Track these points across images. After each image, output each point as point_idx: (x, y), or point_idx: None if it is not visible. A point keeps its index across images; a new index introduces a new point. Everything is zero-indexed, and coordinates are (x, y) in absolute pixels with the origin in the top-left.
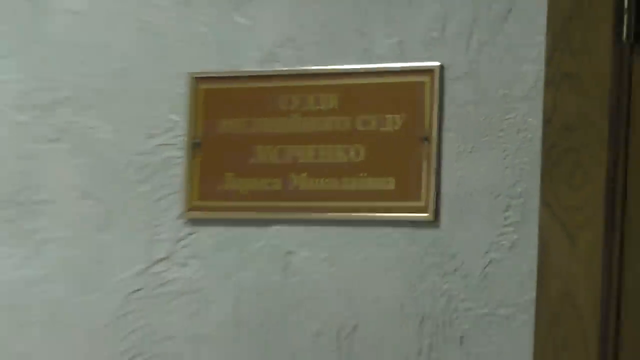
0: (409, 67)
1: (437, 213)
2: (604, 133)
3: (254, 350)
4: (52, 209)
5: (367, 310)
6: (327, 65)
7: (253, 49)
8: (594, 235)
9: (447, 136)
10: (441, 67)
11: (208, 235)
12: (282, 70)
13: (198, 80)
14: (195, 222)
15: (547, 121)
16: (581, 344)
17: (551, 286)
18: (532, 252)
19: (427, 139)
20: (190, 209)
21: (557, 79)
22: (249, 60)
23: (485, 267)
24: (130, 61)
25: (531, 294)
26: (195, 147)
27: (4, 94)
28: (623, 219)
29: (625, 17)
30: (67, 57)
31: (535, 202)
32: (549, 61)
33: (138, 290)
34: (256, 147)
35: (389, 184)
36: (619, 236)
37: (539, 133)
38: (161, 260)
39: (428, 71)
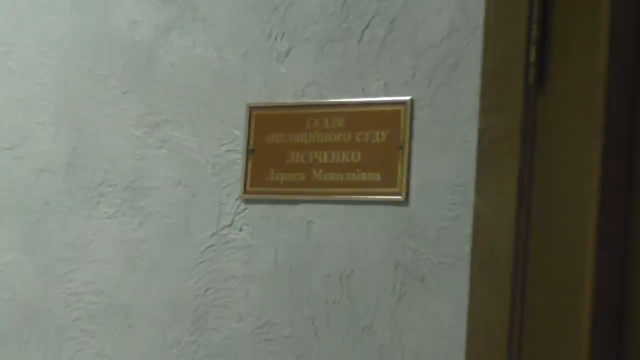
0: (391, 100)
1: (407, 196)
2: (517, 145)
3: (285, 286)
4: (156, 193)
5: (360, 260)
6: (338, 99)
7: (289, 88)
8: (509, 210)
9: (415, 146)
10: (412, 100)
11: (257, 210)
12: (308, 102)
13: (252, 108)
14: (248, 201)
15: (480, 136)
16: (500, 283)
17: (481, 244)
18: (469, 221)
19: (401, 147)
20: (246, 192)
21: (487, 108)
22: (286, 95)
23: (438, 231)
24: (208, 95)
25: (468, 249)
26: (250, 152)
27: (126, 116)
28: (528, 200)
29: (531, 68)
30: (166, 92)
31: (471, 189)
32: (483, 96)
33: (211, 246)
34: (290, 152)
35: (376, 177)
36: (526, 212)
37: (475, 144)
38: (226, 226)
39: (403, 103)
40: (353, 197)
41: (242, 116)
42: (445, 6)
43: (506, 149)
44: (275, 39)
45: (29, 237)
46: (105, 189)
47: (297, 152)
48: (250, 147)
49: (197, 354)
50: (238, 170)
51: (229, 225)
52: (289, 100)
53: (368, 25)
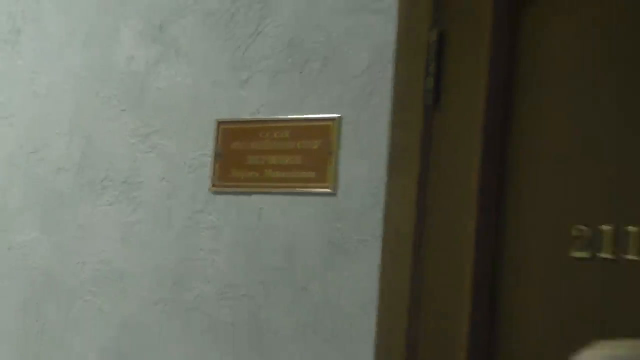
0: (325, 117)
1: (335, 190)
2: (417, 152)
3: (242, 257)
4: (146, 186)
5: (300, 238)
6: (284, 116)
7: (248, 107)
8: (411, 202)
9: (342, 152)
10: (340, 118)
11: (222, 199)
12: (262, 118)
13: (220, 122)
14: (216, 192)
15: (390, 146)
16: (403, 255)
17: (389, 226)
18: (381, 209)
19: (331, 153)
20: (214, 186)
21: (397, 124)
22: (245, 113)
23: (358, 216)
24: (187, 113)
25: (380, 230)
26: (218, 156)
27: (124, 129)
28: (425, 194)
29: (429, 93)
30: (155, 110)
31: (383, 185)
32: (394, 115)
33: (188, 226)
34: (247, 156)
35: (312, 175)
36: (423, 203)
37: (386, 151)
38: (198, 212)
39: (333, 119)
40: (294, 190)
41: (212, 129)
42: (364, 47)
43: (409, 155)
44: (238, 70)
45: (47, 221)
46: (107, 184)
47: (253, 156)
48: (218, 152)
49: (175, 309)
50: (208, 170)
51: (201, 211)
52: (248, 117)
53: (307, 61)
